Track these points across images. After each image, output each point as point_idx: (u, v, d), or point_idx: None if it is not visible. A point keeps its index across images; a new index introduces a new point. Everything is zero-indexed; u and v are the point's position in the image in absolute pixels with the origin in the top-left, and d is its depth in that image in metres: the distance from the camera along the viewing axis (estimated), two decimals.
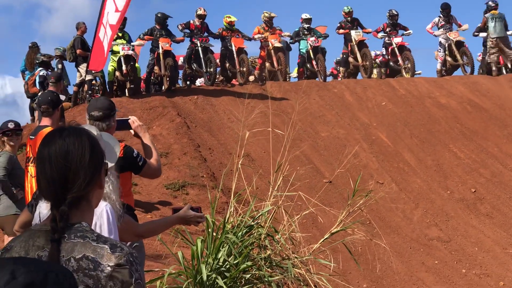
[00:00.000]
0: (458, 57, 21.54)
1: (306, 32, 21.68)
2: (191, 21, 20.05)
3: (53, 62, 18.80)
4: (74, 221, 2.69)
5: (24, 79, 19.54)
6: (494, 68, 21.11)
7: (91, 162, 2.69)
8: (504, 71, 21.37)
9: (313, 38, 21.27)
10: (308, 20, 21.94)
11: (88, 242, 2.65)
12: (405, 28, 22.52)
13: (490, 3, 21.56)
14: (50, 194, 2.67)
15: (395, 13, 22.48)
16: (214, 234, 7.39)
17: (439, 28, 21.93)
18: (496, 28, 21.13)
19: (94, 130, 4.18)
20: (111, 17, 15.75)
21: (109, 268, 2.62)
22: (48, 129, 7.58)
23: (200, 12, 20.06)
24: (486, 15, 21.50)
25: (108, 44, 15.93)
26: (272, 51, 20.78)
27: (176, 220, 5.14)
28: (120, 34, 18.32)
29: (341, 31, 22.15)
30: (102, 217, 4.26)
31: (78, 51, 18.42)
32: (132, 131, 6.32)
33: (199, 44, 19.66)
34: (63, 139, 2.68)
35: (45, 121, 8.34)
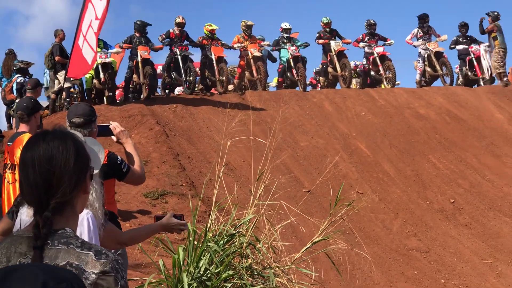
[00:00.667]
0: (438, 67, 21.70)
1: (285, 41, 21.70)
2: (171, 30, 19.98)
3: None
4: (57, 227, 2.61)
5: (0, 86, 19.39)
6: (505, 79, 21.29)
7: (76, 166, 2.62)
8: (481, 83, 21.53)
9: (293, 48, 21.30)
10: (287, 30, 21.99)
11: (72, 248, 2.58)
12: (384, 39, 22.60)
13: (495, 13, 21.71)
14: (33, 199, 2.60)
15: (373, 22, 22.59)
16: (196, 242, 7.33)
17: (418, 39, 22.05)
18: (503, 38, 21.43)
19: (78, 136, 4.10)
20: (94, 25, 15.69)
21: (93, 276, 2.54)
22: (26, 135, 7.49)
23: (179, 20, 19.98)
24: (496, 23, 21.63)
25: (96, 52, 15.83)
26: (251, 60, 20.75)
27: (159, 228, 5.08)
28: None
29: (321, 41, 22.19)
30: (83, 224, 4.19)
31: (56, 58, 18.31)
32: (114, 137, 6.23)
33: (178, 53, 19.58)
34: (47, 143, 2.61)
35: (23, 127, 8.23)
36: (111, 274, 2.58)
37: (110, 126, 6.22)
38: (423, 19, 22.22)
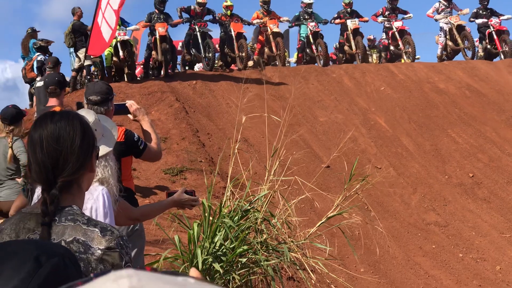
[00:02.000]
0: (459, 41, 21.42)
1: (306, 17, 21.65)
2: (192, 7, 20.00)
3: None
4: (65, 205, 2.71)
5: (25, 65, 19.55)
6: None
7: (82, 146, 2.71)
8: (502, 56, 21.35)
9: (313, 23, 21.26)
10: (309, 5, 21.90)
11: (79, 225, 2.68)
12: (404, 12, 22.47)
13: None
14: (41, 177, 2.69)
15: None
16: (211, 218, 7.42)
17: (439, 13, 21.84)
18: None
19: (92, 115, 4.19)
20: (113, 2, 15.73)
21: (99, 251, 2.64)
22: (57, 109, 7.60)
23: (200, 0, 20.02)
24: None
25: (113, 30, 15.92)
26: (270, 36, 20.75)
27: (171, 204, 5.16)
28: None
29: (337, 21, 22.14)
30: (98, 200, 4.27)
31: (88, 28, 18.14)
32: (130, 115, 6.32)
33: (197, 29, 19.62)
34: (54, 123, 2.70)
35: (52, 101, 8.36)
36: (116, 250, 2.67)
37: (126, 104, 6.31)
38: None
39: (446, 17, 21.55)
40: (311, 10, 21.83)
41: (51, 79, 8.51)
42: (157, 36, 18.91)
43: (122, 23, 18.44)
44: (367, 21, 22.29)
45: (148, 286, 0.71)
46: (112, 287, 0.71)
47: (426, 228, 14.06)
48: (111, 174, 4.48)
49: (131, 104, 6.30)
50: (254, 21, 20.93)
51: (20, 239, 2.63)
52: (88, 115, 4.00)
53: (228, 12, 20.51)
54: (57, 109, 5.83)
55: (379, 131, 17.18)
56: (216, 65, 20.78)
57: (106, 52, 18.31)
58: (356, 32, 21.78)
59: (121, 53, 18.27)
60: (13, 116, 9.18)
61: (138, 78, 19.69)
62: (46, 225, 2.65)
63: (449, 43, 21.73)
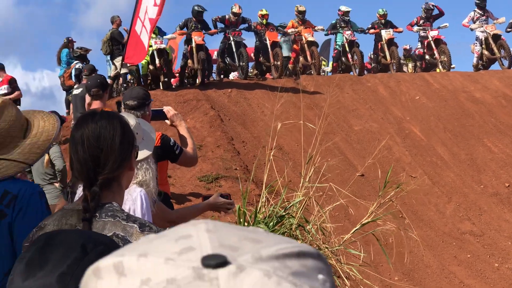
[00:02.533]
0: (496, 50, 21.23)
1: (343, 25, 21.67)
2: (227, 16, 20.13)
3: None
4: (105, 201, 2.79)
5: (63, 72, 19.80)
6: None
7: (122, 145, 2.79)
8: None
9: (349, 32, 21.27)
10: (346, 13, 21.90)
11: (118, 221, 2.75)
12: (438, 16, 22.40)
13: None
14: (83, 175, 2.78)
15: (432, 7, 22.33)
16: (246, 224, 7.48)
17: (474, 22, 21.70)
18: None
19: (133, 118, 4.29)
20: (151, 11, 15.91)
21: None
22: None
23: (235, 10, 20.10)
24: None
25: (148, 38, 16.10)
26: (305, 45, 20.81)
27: (207, 207, 5.23)
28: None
29: (372, 30, 22.11)
30: (136, 201, 4.34)
31: (125, 39, 18.41)
32: (167, 120, 6.40)
33: (232, 38, 19.73)
34: (95, 123, 2.78)
35: (96, 104, 8.46)
36: None
37: (164, 110, 6.39)
38: (482, 2, 21.78)
39: (482, 26, 21.40)
40: (348, 18, 21.83)
41: (94, 82, 8.60)
42: (194, 45, 19.04)
43: (159, 32, 18.61)
44: (401, 31, 22.25)
45: (222, 230, 0.78)
46: (190, 229, 0.77)
47: (461, 238, 13.99)
48: (152, 177, 4.57)
49: (168, 109, 6.38)
50: (289, 30, 21.01)
51: (65, 229, 2.71)
52: (129, 118, 4.08)
53: (264, 21, 20.60)
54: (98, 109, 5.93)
55: (414, 140, 17.14)
56: (251, 73, 20.87)
57: (143, 61, 18.48)
58: (391, 42, 21.75)
59: (157, 61, 18.44)
60: None
61: (173, 86, 19.84)
62: (87, 220, 2.73)
63: (485, 52, 21.55)
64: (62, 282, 1.59)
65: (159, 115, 6.36)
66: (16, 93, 15.90)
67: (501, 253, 13.58)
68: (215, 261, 0.71)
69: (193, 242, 0.75)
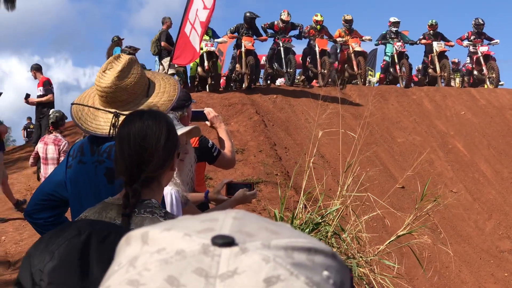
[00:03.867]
0: None
1: (393, 36, 21.65)
2: (275, 23, 20.22)
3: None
4: (144, 198, 2.91)
5: None
6: None
7: (166, 145, 2.89)
8: None
9: (399, 43, 21.24)
10: (396, 24, 21.86)
11: (156, 217, 2.86)
12: (490, 39, 22.22)
13: None
14: (126, 172, 2.88)
15: (481, 22, 22.18)
16: None
17: None
18: None
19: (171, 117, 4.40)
20: (201, 14, 16.05)
21: None
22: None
23: (284, 17, 20.18)
24: None
25: (199, 41, 16.24)
26: (352, 54, 20.83)
27: (234, 204, 5.28)
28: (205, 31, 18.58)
29: (423, 41, 22.01)
30: (166, 199, 4.44)
31: (162, 44, 18.86)
32: (208, 122, 6.48)
33: (281, 45, 19.80)
34: (143, 122, 2.89)
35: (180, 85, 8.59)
36: None
37: (204, 111, 6.48)
38: None
39: None
40: (397, 29, 21.79)
41: None
42: (243, 50, 19.17)
43: (213, 34, 18.78)
44: (452, 45, 22.12)
45: (249, 219, 0.86)
46: (220, 214, 0.86)
47: (499, 256, 13.91)
48: (180, 173, 4.66)
49: (209, 111, 6.44)
50: (337, 39, 21.05)
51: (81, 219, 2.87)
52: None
53: (318, 26, 20.65)
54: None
55: (457, 155, 17.07)
56: (297, 80, 20.94)
57: (192, 63, 18.63)
58: (442, 55, 21.65)
59: (206, 63, 18.59)
60: None
61: (220, 89, 19.99)
62: (126, 216, 2.84)
63: None
64: (48, 255, 1.78)
65: (200, 116, 6.43)
66: (48, 96, 16.10)
67: None
68: (222, 241, 0.79)
69: (216, 224, 0.84)
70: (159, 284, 0.76)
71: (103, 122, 3.61)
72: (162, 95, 3.71)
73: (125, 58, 3.67)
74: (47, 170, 12.66)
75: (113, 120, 3.55)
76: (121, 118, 3.47)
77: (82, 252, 1.79)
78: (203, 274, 0.76)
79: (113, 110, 3.59)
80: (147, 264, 0.79)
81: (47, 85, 16.18)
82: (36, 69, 16.42)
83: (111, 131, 3.52)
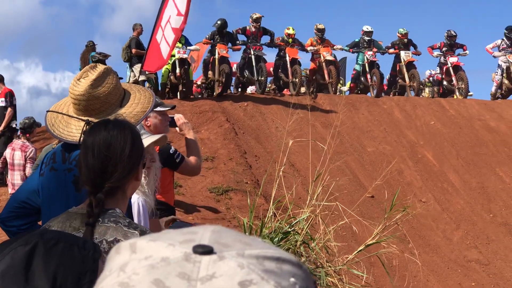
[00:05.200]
0: None
1: (365, 45, 21.72)
2: (247, 27, 20.18)
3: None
4: (108, 207, 2.88)
5: None
6: None
7: (131, 155, 2.87)
8: None
9: (370, 53, 21.29)
10: (369, 33, 21.91)
11: (120, 227, 2.84)
12: (462, 46, 22.32)
13: None
14: (89, 181, 2.86)
15: (454, 34, 22.27)
16: None
17: (500, 50, 21.58)
18: None
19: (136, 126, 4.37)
20: (174, 20, 15.95)
21: None
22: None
23: (256, 16, 20.17)
24: None
25: (171, 47, 16.14)
26: (323, 63, 20.87)
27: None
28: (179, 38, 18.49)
29: (391, 50, 22.08)
30: (133, 208, 4.41)
31: (133, 51, 18.79)
32: (177, 128, 6.43)
33: (252, 52, 19.79)
34: (108, 131, 2.87)
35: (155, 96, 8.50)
36: None
37: (174, 117, 6.44)
38: (510, 32, 21.55)
39: (505, 55, 21.31)
40: (370, 38, 21.86)
41: None
42: (217, 57, 19.15)
43: (186, 42, 18.71)
44: (420, 54, 22.19)
45: (225, 232, 0.96)
46: (200, 228, 0.97)
47: (467, 265, 13.99)
48: (147, 182, 4.63)
49: (178, 117, 6.39)
50: (308, 48, 21.07)
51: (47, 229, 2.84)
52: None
53: (290, 40, 20.64)
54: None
55: (426, 165, 17.17)
56: (268, 88, 20.93)
57: (163, 69, 18.55)
58: (410, 64, 21.72)
59: (178, 70, 18.53)
60: None
61: (192, 96, 19.93)
62: (90, 225, 2.82)
63: (505, 81, 21.46)
64: None
65: (170, 122, 6.39)
66: (8, 110, 15.70)
67: (506, 283, 13.57)
68: (202, 249, 0.89)
69: (196, 236, 0.94)
70: (147, 286, 0.87)
71: (74, 129, 3.63)
72: (136, 106, 3.73)
73: (100, 67, 3.70)
74: (13, 176, 12.58)
75: (84, 128, 3.54)
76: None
77: (26, 261, 1.80)
78: (186, 278, 0.87)
79: (85, 118, 3.61)
80: (136, 269, 0.90)
81: (9, 97, 15.85)
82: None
83: (81, 138, 3.49)
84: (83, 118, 3.62)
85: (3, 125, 15.55)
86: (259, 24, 20.21)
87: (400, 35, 22.17)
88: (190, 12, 16.09)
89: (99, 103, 3.61)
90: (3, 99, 15.73)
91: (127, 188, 2.97)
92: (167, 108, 6.05)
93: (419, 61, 21.29)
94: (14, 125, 14.56)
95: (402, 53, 21.68)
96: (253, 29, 20.11)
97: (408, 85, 21.61)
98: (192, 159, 6.25)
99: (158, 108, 5.88)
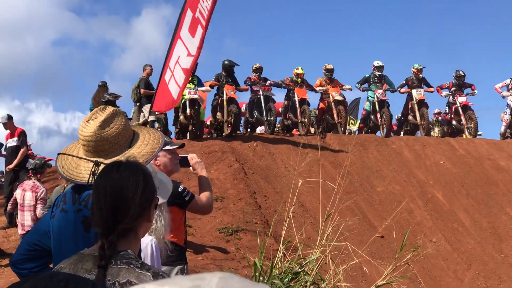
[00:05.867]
0: None
1: (376, 80, 21.76)
2: (250, 77, 20.39)
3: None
4: (120, 249, 2.88)
5: None
6: None
7: (143, 197, 2.88)
8: None
9: (380, 91, 21.33)
10: (380, 68, 21.97)
11: (133, 268, 2.84)
12: (470, 86, 22.38)
13: None
14: (102, 223, 2.86)
15: (462, 74, 22.34)
16: (261, 278, 7.52)
17: (508, 90, 21.62)
18: None
19: (150, 167, 4.41)
20: (183, 61, 16.01)
21: None
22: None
23: (256, 66, 20.41)
24: None
25: (181, 88, 16.19)
26: (332, 103, 20.94)
27: None
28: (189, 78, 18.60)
29: (403, 90, 22.13)
30: (147, 250, 4.42)
31: (142, 91, 18.89)
32: (191, 168, 6.47)
33: (261, 93, 19.89)
34: (120, 174, 2.88)
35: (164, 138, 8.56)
36: None
37: (188, 157, 6.48)
38: None
39: None
40: (381, 73, 21.92)
41: None
42: (225, 98, 19.25)
43: (198, 83, 18.84)
44: (432, 91, 22.24)
45: (232, 279, 0.96)
46: (208, 275, 0.97)
47: None
48: (164, 225, 4.66)
49: (192, 157, 6.44)
50: (317, 88, 21.15)
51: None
52: (149, 167, 4.20)
53: (299, 80, 20.74)
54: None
55: (436, 204, 17.11)
56: (277, 129, 20.99)
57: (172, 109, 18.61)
58: (422, 103, 21.76)
59: (188, 110, 18.62)
60: None
61: (204, 136, 20.01)
62: (103, 267, 2.82)
63: None
64: None
65: (184, 162, 6.44)
66: (23, 149, 15.96)
67: None
68: None
69: (204, 282, 0.94)
70: None
71: (84, 170, 3.65)
72: (145, 146, 3.76)
73: (109, 109, 3.75)
74: (23, 217, 12.60)
75: (93, 169, 3.58)
76: (101, 166, 3.49)
77: None
78: None
79: (94, 159, 3.64)
80: None
81: (22, 136, 16.03)
82: (11, 119, 16.24)
83: (90, 179, 3.53)
84: (92, 159, 3.65)
85: (14, 162, 15.67)
86: (259, 74, 20.40)
87: (415, 70, 22.19)
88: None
89: (108, 144, 3.65)
90: (15, 138, 15.87)
91: (139, 230, 2.98)
92: (176, 147, 6.10)
93: (430, 99, 21.35)
94: (29, 166, 14.63)
95: (414, 91, 21.71)
96: (255, 77, 20.29)
97: (419, 123, 21.63)
98: (203, 197, 6.25)
99: (167, 147, 5.93)
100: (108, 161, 3.51)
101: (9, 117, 16.14)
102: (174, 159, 6.11)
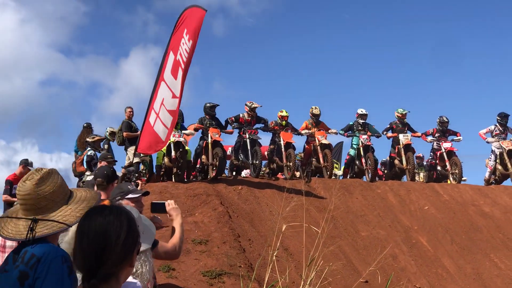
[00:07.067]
0: (509, 166, 21.24)
1: (360, 128, 21.87)
2: (241, 115, 20.39)
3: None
4: None
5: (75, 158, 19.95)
6: None
7: (126, 242, 2.88)
8: None
9: (365, 136, 21.42)
10: (363, 116, 22.12)
11: None
12: (455, 133, 22.51)
13: None
14: (84, 266, 2.85)
15: (446, 120, 22.50)
16: None
17: (492, 136, 21.75)
18: None
19: (135, 212, 4.42)
20: (168, 102, 16.02)
21: None
22: (105, 202, 7.82)
23: (254, 105, 20.40)
24: None
25: (169, 129, 16.17)
26: (318, 147, 20.98)
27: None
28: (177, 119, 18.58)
29: (389, 134, 22.27)
30: None
31: (125, 134, 18.98)
32: (168, 214, 6.48)
33: (247, 136, 19.91)
34: (104, 217, 2.88)
35: (101, 195, 8.53)
36: None
37: (165, 203, 6.50)
38: (503, 118, 21.88)
39: (498, 141, 21.48)
40: (364, 121, 22.02)
41: (100, 172, 8.76)
42: (210, 141, 19.26)
43: (181, 126, 18.90)
44: (419, 136, 22.37)
45: None
46: None
47: None
48: (148, 270, 4.64)
49: (169, 203, 6.49)
50: (303, 131, 21.21)
51: None
52: (132, 211, 4.20)
53: (283, 122, 20.82)
54: (107, 202, 6.09)
55: (420, 250, 17.09)
56: (263, 172, 20.96)
57: (158, 152, 18.62)
58: (408, 147, 21.87)
59: (173, 153, 18.65)
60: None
61: (185, 180, 19.97)
62: None
63: (499, 167, 21.59)
64: None
65: (160, 208, 6.48)
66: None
67: None
68: None
69: None
70: None
71: (23, 228, 3.76)
72: (82, 202, 3.88)
73: (45, 170, 3.92)
74: None
75: (31, 225, 3.69)
76: (39, 222, 3.68)
77: None
78: None
79: (32, 217, 3.76)
80: None
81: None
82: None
83: (29, 234, 3.65)
84: (30, 217, 3.76)
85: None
86: (255, 113, 20.43)
87: (399, 115, 22.37)
88: (187, 94, 16.26)
89: (45, 201, 3.78)
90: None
91: (121, 274, 2.96)
92: (139, 195, 6.20)
93: (414, 144, 21.41)
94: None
95: (401, 136, 21.86)
96: (247, 117, 20.32)
97: (406, 168, 21.71)
98: (170, 243, 6.24)
99: (130, 195, 6.04)
100: (45, 218, 3.70)
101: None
102: (138, 207, 6.19)
